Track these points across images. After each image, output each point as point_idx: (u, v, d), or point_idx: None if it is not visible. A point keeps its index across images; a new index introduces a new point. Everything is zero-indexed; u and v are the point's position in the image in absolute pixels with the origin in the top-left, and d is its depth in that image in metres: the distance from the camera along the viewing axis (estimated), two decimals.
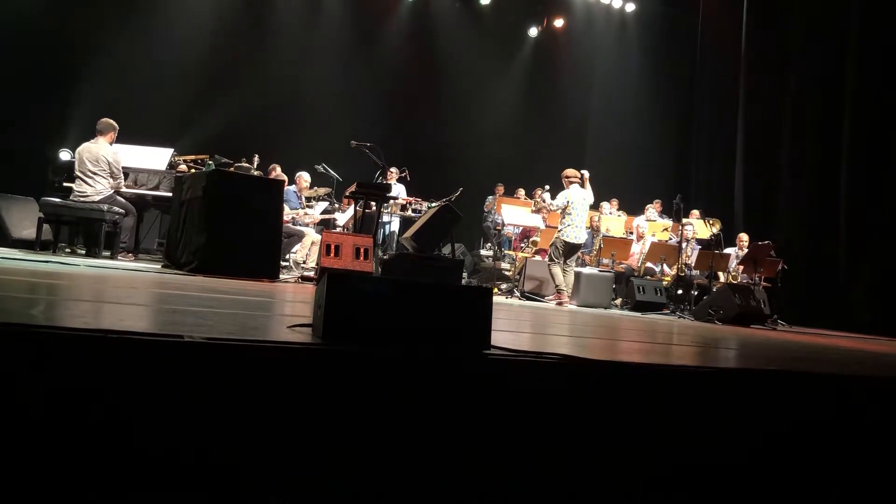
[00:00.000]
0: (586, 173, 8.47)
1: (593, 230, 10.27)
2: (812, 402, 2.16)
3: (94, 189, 6.70)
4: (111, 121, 7.01)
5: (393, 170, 9.84)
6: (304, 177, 8.90)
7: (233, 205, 5.78)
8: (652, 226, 10.58)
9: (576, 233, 8.21)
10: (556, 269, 8.16)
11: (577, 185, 8.30)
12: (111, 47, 10.30)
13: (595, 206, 11.06)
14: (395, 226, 10.44)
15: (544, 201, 8.67)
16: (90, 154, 6.76)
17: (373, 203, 7.78)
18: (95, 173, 6.73)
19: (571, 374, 1.84)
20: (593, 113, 14.67)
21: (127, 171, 7.33)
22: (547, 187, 9.05)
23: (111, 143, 6.96)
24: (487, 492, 1.64)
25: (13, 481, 1.23)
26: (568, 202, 8.20)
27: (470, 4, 14.18)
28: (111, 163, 6.81)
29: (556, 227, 8.56)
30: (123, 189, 7.10)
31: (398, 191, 10.00)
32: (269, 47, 12.33)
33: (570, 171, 8.41)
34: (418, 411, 1.60)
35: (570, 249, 8.25)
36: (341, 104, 12.45)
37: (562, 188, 8.44)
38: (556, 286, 8.15)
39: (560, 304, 7.93)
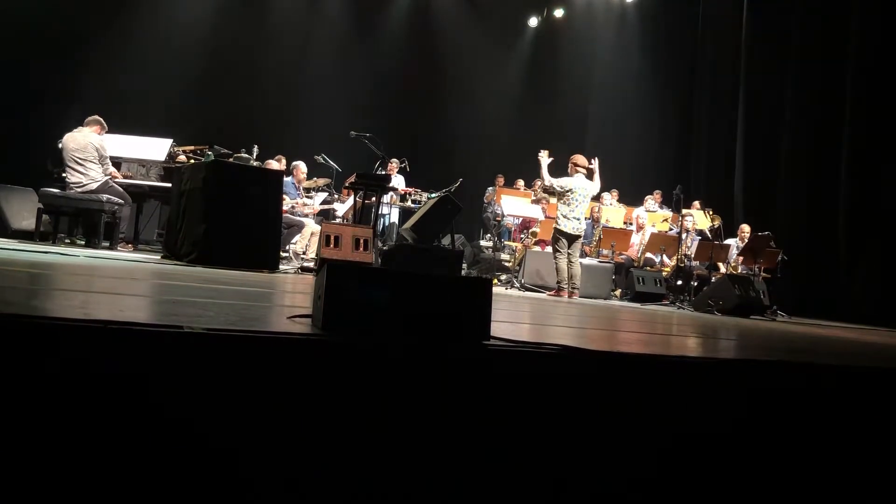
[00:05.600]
0: (595, 163, 8.25)
1: (593, 221, 10.25)
2: (812, 393, 2.17)
3: (87, 177, 6.68)
4: (99, 118, 7.01)
5: (393, 161, 9.82)
6: (301, 167, 8.86)
7: (232, 195, 5.76)
8: (652, 216, 10.58)
9: (573, 223, 7.95)
10: (561, 264, 7.95)
11: (582, 176, 8.04)
12: (111, 38, 10.27)
13: (596, 197, 11.06)
14: (394, 217, 10.44)
15: (547, 178, 8.22)
16: (75, 143, 6.73)
17: (372, 194, 7.77)
18: (85, 160, 6.70)
19: (571, 364, 1.85)
20: (593, 104, 14.64)
21: (119, 161, 7.32)
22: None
23: (99, 135, 6.93)
24: (486, 483, 1.65)
25: (10, 473, 1.24)
26: (568, 190, 7.95)
27: None
28: (98, 148, 6.78)
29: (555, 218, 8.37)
30: (119, 177, 7.09)
31: (397, 182, 9.98)
32: (268, 37, 12.30)
33: (580, 160, 8.09)
34: (418, 402, 1.60)
35: (570, 239, 8.00)
36: (340, 94, 12.43)
37: (565, 174, 8.18)
38: (558, 281, 8.01)
39: (556, 296, 7.87)
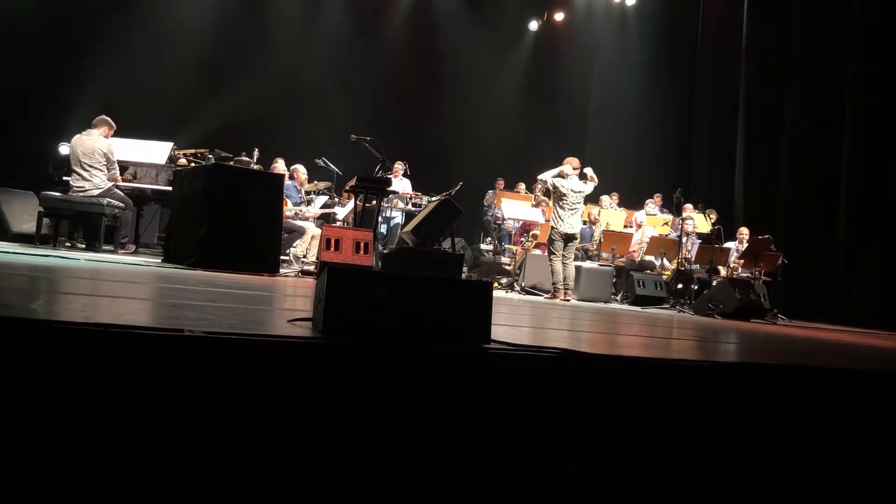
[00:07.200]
0: (589, 170, 8.28)
1: (591, 223, 10.24)
2: (812, 396, 2.17)
3: (91, 183, 6.66)
4: (107, 118, 6.98)
5: (398, 165, 9.82)
6: (301, 169, 8.86)
7: (233, 199, 5.77)
8: (652, 220, 10.57)
9: (569, 224, 8.02)
10: (557, 265, 7.98)
11: (574, 177, 8.12)
12: (111, 41, 10.27)
13: (595, 200, 11.05)
14: (399, 219, 10.39)
15: (545, 182, 8.36)
16: (84, 147, 6.71)
17: (373, 197, 7.76)
18: (91, 166, 6.68)
19: (571, 368, 1.85)
20: (593, 107, 14.64)
21: (125, 165, 7.32)
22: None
23: (106, 137, 6.92)
24: (486, 486, 1.65)
25: (12, 475, 1.24)
26: (559, 188, 8.02)
27: None
28: (105, 154, 6.76)
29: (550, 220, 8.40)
30: (121, 182, 7.08)
31: (403, 186, 9.98)
32: (269, 40, 12.30)
33: (572, 162, 8.17)
34: (418, 405, 1.60)
35: (566, 240, 8.07)
36: (341, 98, 12.42)
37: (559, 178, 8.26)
38: (554, 283, 8.04)
39: (553, 298, 7.87)
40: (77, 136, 6.81)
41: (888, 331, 7.78)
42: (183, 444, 1.36)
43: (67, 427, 1.28)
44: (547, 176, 8.26)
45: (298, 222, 8.22)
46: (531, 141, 13.50)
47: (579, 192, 8.13)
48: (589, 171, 8.24)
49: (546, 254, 8.50)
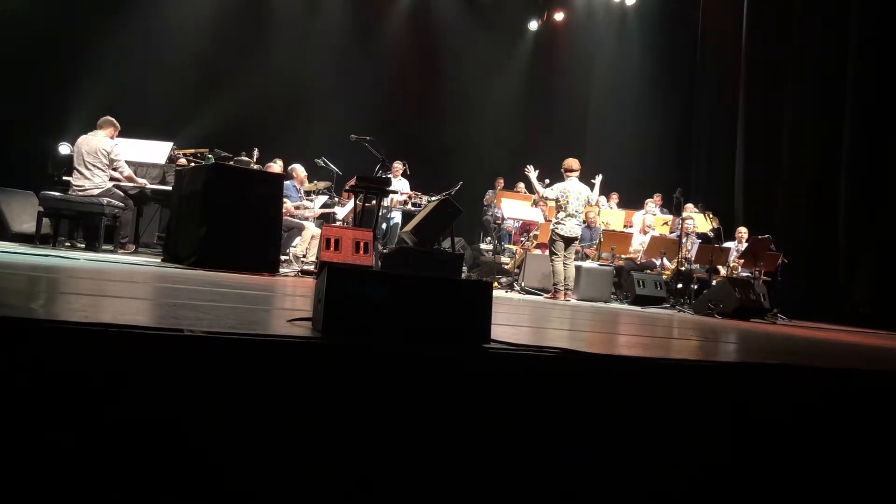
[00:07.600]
0: (598, 178, 8.33)
1: (589, 225, 10.23)
2: (812, 397, 2.16)
3: (91, 182, 6.67)
4: (112, 119, 7.01)
5: (397, 164, 9.82)
6: (299, 169, 8.87)
7: (232, 198, 5.77)
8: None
9: (570, 226, 8.04)
10: (558, 265, 8.00)
11: (575, 179, 8.16)
12: (111, 40, 10.26)
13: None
14: (399, 219, 10.39)
15: (541, 189, 8.42)
16: (88, 146, 6.74)
17: (373, 197, 7.75)
18: (94, 165, 6.71)
19: (572, 368, 1.85)
20: (593, 107, 14.64)
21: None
22: (546, 181, 8.99)
23: (111, 139, 6.94)
24: (486, 487, 1.65)
25: (11, 474, 1.24)
26: (561, 195, 8.06)
27: None
28: (107, 153, 6.78)
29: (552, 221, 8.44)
30: (137, 179, 7.10)
31: (402, 185, 9.98)
32: (269, 40, 12.29)
33: (568, 163, 8.20)
34: (418, 405, 1.60)
35: (567, 242, 8.11)
36: (341, 97, 12.42)
37: (560, 180, 8.29)
38: (555, 283, 8.05)
39: (553, 299, 7.87)
40: (83, 136, 6.86)
41: (888, 331, 7.78)
42: (182, 443, 1.36)
43: (67, 427, 1.28)
44: (548, 192, 8.28)
45: (296, 220, 8.22)
46: (531, 141, 13.50)
47: (580, 192, 8.13)
48: (598, 179, 8.29)
49: (547, 254, 8.51)
